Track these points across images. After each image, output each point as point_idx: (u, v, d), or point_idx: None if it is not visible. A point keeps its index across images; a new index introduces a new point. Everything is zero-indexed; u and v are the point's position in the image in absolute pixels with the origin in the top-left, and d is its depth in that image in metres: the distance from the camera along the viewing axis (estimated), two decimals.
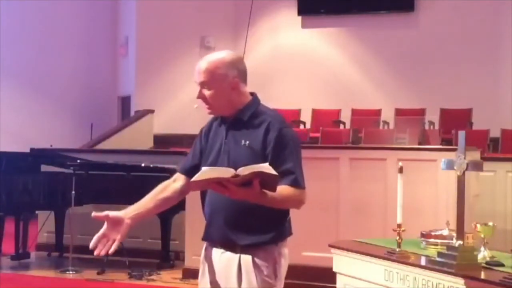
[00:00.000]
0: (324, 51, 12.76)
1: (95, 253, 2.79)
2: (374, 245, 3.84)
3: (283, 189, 2.72)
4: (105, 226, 2.85)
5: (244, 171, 2.54)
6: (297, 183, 2.76)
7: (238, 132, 2.85)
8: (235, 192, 2.59)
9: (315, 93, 12.46)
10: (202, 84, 2.87)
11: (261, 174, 2.55)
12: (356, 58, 12.55)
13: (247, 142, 2.81)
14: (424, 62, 11.97)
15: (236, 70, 2.85)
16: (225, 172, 2.57)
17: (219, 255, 2.87)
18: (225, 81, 2.83)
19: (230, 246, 2.84)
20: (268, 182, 2.59)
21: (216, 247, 2.89)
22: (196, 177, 2.59)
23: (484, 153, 8.21)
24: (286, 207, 2.82)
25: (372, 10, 12.46)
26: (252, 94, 2.94)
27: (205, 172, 2.59)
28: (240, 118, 2.86)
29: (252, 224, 2.79)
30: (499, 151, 9.68)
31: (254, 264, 2.79)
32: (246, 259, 2.80)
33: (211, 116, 2.99)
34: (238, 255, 2.81)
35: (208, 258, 2.93)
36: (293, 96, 12.20)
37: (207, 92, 2.86)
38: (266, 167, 2.56)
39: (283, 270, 2.87)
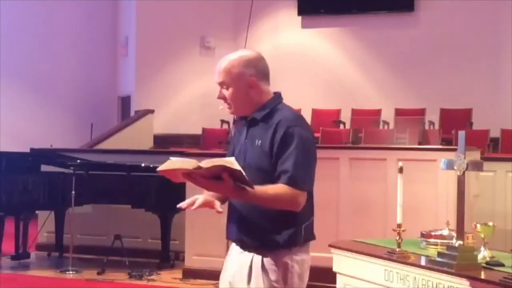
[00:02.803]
0: (324, 51, 12.76)
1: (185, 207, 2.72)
2: (374, 245, 3.84)
3: (274, 188, 2.68)
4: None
5: (207, 163, 2.53)
6: (293, 183, 2.69)
7: (255, 132, 2.84)
8: (204, 184, 2.60)
9: (315, 93, 12.46)
10: (221, 84, 2.86)
11: (225, 168, 2.53)
12: (356, 58, 12.55)
13: (260, 142, 2.79)
14: (424, 62, 11.96)
15: (254, 69, 2.84)
16: (188, 163, 2.56)
17: (238, 253, 2.87)
18: (242, 80, 2.82)
19: (244, 245, 2.83)
20: (237, 177, 2.56)
21: (237, 245, 2.89)
22: (161, 167, 2.61)
23: (484, 153, 8.21)
24: (277, 207, 2.72)
25: (372, 10, 12.45)
26: (275, 93, 2.92)
27: (170, 162, 2.60)
28: (255, 117, 2.85)
29: (265, 225, 2.76)
30: (499, 151, 9.67)
31: (263, 267, 2.76)
32: (257, 261, 2.78)
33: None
34: (251, 255, 2.80)
35: (230, 255, 2.93)
36: (293, 96, 12.01)
37: (226, 92, 2.85)
38: (228, 161, 2.54)
39: (296, 278, 2.79)
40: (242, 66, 2.83)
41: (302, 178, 2.73)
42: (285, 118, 2.78)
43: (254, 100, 2.85)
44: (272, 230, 2.76)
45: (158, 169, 2.63)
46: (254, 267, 2.78)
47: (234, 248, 2.91)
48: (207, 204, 2.75)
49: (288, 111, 2.86)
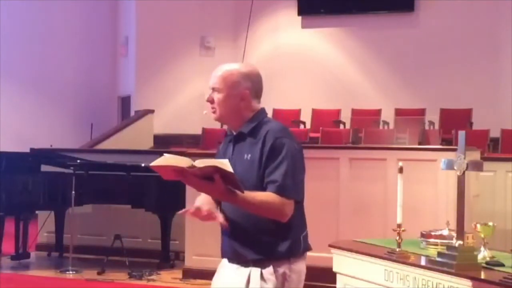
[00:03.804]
0: (324, 51, 12.76)
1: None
2: (374, 245, 3.85)
3: (263, 194, 2.69)
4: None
5: (200, 163, 2.54)
6: (282, 192, 2.69)
7: (242, 147, 2.85)
8: (195, 184, 2.60)
9: (315, 93, 12.46)
10: (214, 89, 2.87)
11: (218, 169, 2.53)
12: (356, 58, 12.55)
13: (249, 156, 2.80)
14: (424, 62, 11.96)
15: (250, 83, 2.85)
16: (182, 161, 2.57)
17: (234, 270, 2.86)
18: (236, 90, 2.83)
19: (240, 260, 2.83)
20: (228, 179, 2.56)
21: (231, 262, 2.88)
22: (154, 162, 2.61)
23: (484, 153, 8.20)
24: (265, 214, 2.72)
25: (372, 10, 12.45)
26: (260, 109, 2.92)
27: (164, 159, 2.61)
28: (242, 132, 2.86)
29: (260, 239, 2.76)
30: (499, 151, 9.67)
31: (262, 277, 2.76)
32: (255, 272, 2.78)
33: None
34: (249, 269, 2.80)
35: (222, 272, 2.92)
36: (293, 96, 12.20)
37: (216, 96, 2.86)
38: (222, 163, 2.55)
39: (294, 287, 2.81)
40: (240, 77, 2.84)
41: (291, 188, 2.72)
42: (272, 130, 2.79)
43: (240, 112, 2.85)
44: (270, 243, 2.77)
45: (151, 164, 2.63)
46: (252, 277, 2.78)
47: (227, 265, 2.90)
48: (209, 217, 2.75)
49: (274, 123, 2.87)
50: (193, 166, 2.55)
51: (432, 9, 12.00)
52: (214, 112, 2.88)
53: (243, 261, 2.82)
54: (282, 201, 2.70)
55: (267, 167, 2.73)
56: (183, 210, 2.80)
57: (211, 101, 2.88)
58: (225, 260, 2.94)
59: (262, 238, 2.77)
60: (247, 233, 2.78)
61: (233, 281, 2.84)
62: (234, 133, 2.90)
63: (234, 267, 2.86)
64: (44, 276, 7.41)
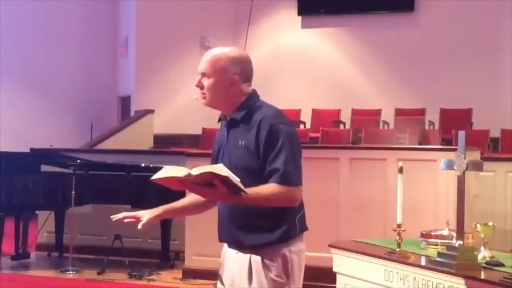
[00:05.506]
0: (324, 51, 12.75)
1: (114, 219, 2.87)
2: (374, 245, 3.85)
3: (267, 188, 2.68)
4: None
5: (196, 171, 2.55)
6: (285, 180, 2.69)
7: (236, 133, 2.84)
8: (197, 191, 2.63)
9: (315, 93, 12.46)
10: (203, 74, 2.87)
11: (214, 175, 2.53)
12: (356, 58, 12.55)
13: (243, 142, 2.79)
14: (424, 62, 11.96)
15: (239, 68, 2.83)
16: (179, 171, 2.59)
17: (233, 255, 2.87)
18: (224, 75, 2.82)
19: (239, 246, 2.83)
20: (226, 182, 2.56)
21: (231, 247, 2.89)
22: (155, 176, 2.64)
23: (484, 153, 8.20)
24: (274, 205, 2.73)
25: (372, 10, 12.45)
26: (252, 91, 2.91)
27: (164, 171, 2.63)
28: (235, 117, 2.85)
29: (257, 224, 2.77)
30: (499, 151, 9.66)
31: (264, 264, 2.77)
32: (256, 259, 2.79)
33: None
34: (248, 255, 2.80)
35: (226, 258, 2.93)
36: (293, 96, 12.19)
37: (205, 82, 2.86)
38: (217, 168, 2.55)
39: (296, 268, 2.82)
40: (228, 62, 2.83)
41: (294, 174, 2.73)
42: (266, 117, 2.78)
43: (231, 98, 2.84)
44: (267, 228, 2.77)
45: (152, 178, 2.66)
46: (254, 266, 2.78)
47: (228, 250, 2.91)
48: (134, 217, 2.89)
49: (267, 108, 2.84)
50: (189, 175, 2.55)
51: (432, 9, 12.00)
52: (204, 98, 2.88)
53: (242, 247, 2.82)
54: (289, 189, 2.70)
55: (267, 157, 2.72)
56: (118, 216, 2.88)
57: (200, 86, 2.87)
58: (225, 245, 2.95)
59: (259, 223, 2.76)
60: (244, 219, 2.78)
61: (236, 272, 2.84)
62: (228, 118, 2.89)
63: (234, 252, 2.87)
64: (44, 276, 7.41)
